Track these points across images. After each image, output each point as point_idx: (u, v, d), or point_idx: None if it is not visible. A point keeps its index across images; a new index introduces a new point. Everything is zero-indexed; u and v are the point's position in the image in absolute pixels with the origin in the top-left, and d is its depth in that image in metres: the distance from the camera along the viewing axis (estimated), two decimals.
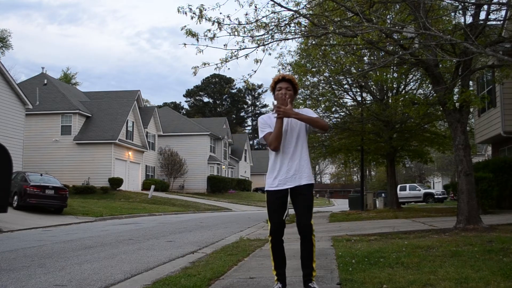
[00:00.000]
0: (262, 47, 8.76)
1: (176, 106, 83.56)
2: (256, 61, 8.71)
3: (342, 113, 21.15)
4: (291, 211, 4.23)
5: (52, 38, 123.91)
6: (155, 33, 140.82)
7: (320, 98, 18.57)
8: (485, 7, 9.38)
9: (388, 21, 10.12)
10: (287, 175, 3.98)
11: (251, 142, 77.68)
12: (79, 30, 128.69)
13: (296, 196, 4.00)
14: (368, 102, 20.68)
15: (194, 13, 7.96)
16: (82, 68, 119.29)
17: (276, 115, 3.93)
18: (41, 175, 21.03)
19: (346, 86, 19.89)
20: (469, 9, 9.66)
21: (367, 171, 60.41)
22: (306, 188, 3.98)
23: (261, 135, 4.08)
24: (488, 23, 9.90)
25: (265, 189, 4.10)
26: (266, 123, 4.08)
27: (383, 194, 27.83)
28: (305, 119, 3.95)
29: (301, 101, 18.87)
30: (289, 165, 3.98)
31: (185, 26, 8.16)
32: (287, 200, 4.05)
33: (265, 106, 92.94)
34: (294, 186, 3.97)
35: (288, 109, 3.87)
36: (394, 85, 19.12)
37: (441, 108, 12.66)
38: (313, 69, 17.10)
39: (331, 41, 10.92)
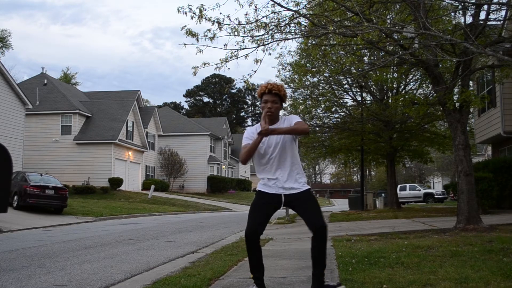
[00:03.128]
0: (262, 47, 8.75)
1: (176, 106, 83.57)
2: (256, 61, 8.70)
3: (342, 113, 21.16)
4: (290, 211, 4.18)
5: (55, 38, 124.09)
6: (158, 33, 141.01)
7: (320, 98, 18.57)
8: (485, 7, 9.38)
9: (388, 21, 10.12)
10: (277, 182, 3.95)
11: None
12: (82, 30, 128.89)
13: (298, 203, 3.95)
14: (368, 102, 20.68)
15: (194, 13, 7.95)
16: (84, 68, 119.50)
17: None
18: (41, 175, 21.03)
19: (346, 86, 19.90)
20: (469, 9, 9.66)
21: (367, 171, 60.42)
22: (305, 194, 3.96)
23: (242, 144, 4.07)
24: (488, 23, 9.91)
25: (257, 188, 4.03)
26: (249, 137, 4.03)
27: (383, 194, 27.82)
28: (284, 131, 3.90)
29: (301, 101, 18.89)
30: (280, 174, 3.96)
31: (185, 26, 8.15)
32: (274, 208, 3.96)
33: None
34: (289, 194, 3.93)
35: (267, 130, 3.81)
36: (394, 85, 19.12)
37: (441, 108, 12.66)
38: (313, 69, 17.11)
39: (331, 41, 10.91)
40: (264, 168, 4.00)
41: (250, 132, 4.07)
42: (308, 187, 4.03)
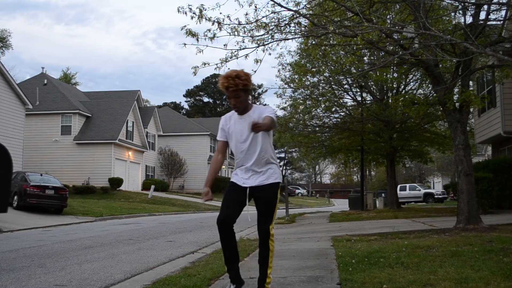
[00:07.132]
0: (262, 47, 8.76)
1: (176, 106, 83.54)
2: (256, 61, 8.72)
3: (342, 113, 21.16)
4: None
5: (58, 38, 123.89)
6: (161, 33, 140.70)
7: (320, 98, 18.56)
8: (485, 7, 9.37)
9: (388, 21, 10.12)
10: (247, 175, 3.97)
11: None
12: (85, 30, 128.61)
13: (257, 198, 3.94)
14: (368, 102, 20.67)
15: (194, 13, 7.96)
16: (87, 68, 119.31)
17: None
18: (41, 175, 21.03)
19: (346, 86, 19.89)
20: (469, 9, 9.66)
21: (367, 171, 60.40)
22: (268, 189, 3.92)
23: (217, 137, 4.13)
24: (488, 23, 9.90)
25: (230, 180, 4.05)
26: (223, 128, 4.06)
27: (383, 194, 27.83)
28: (266, 129, 3.80)
29: (301, 101, 18.90)
30: (249, 166, 3.95)
31: (185, 26, 8.16)
32: (245, 200, 3.92)
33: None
34: (254, 186, 3.92)
35: (257, 127, 3.65)
36: (394, 85, 19.12)
37: (441, 108, 12.66)
38: (313, 69, 17.11)
39: (331, 41, 10.91)
40: (238, 157, 4.03)
41: (224, 122, 4.08)
42: (276, 181, 3.94)
